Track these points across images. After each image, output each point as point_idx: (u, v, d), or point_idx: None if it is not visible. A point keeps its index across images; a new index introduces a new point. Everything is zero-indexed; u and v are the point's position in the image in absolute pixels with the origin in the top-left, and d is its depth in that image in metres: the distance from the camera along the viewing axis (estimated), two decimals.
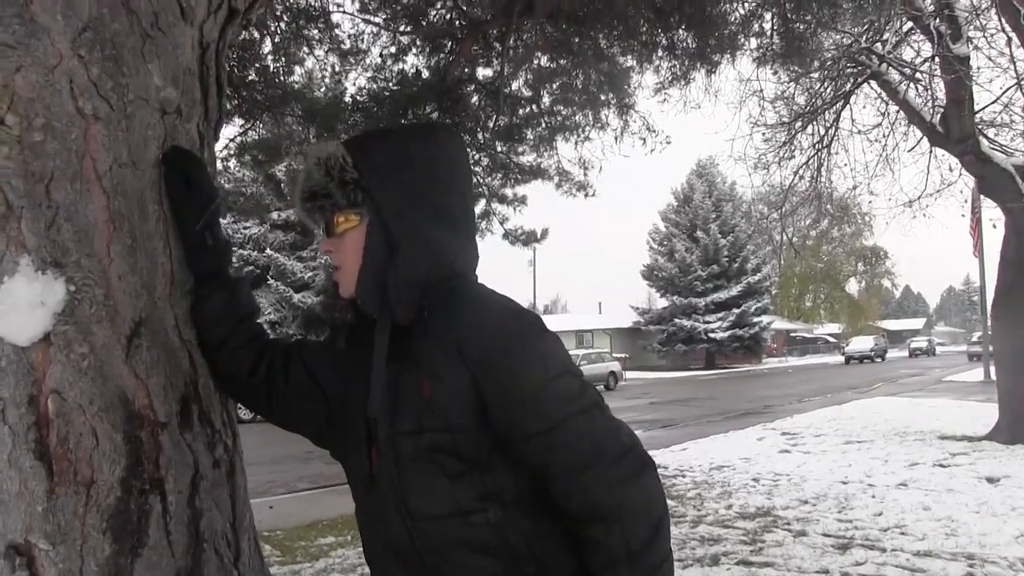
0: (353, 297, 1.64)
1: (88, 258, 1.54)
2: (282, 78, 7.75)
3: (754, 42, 7.10)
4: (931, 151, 14.62)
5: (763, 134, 15.06)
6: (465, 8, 7.31)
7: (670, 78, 7.56)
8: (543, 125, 8.72)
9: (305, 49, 7.67)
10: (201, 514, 1.70)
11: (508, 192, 10.26)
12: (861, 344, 57.11)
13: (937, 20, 11.69)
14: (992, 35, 12.38)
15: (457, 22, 7.40)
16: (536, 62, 7.94)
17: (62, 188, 1.52)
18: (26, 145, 1.50)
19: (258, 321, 1.87)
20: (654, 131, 8.75)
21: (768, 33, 6.89)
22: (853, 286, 75.31)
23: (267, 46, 7.50)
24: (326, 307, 1.74)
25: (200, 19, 1.85)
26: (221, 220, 1.87)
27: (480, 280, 1.74)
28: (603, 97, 8.08)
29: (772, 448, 13.13)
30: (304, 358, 1.80)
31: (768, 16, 6.71)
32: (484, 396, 1.51)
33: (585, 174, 9.58)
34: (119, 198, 1.60)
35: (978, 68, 12.42)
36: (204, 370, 1.78)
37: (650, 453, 1.60)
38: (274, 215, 30.05)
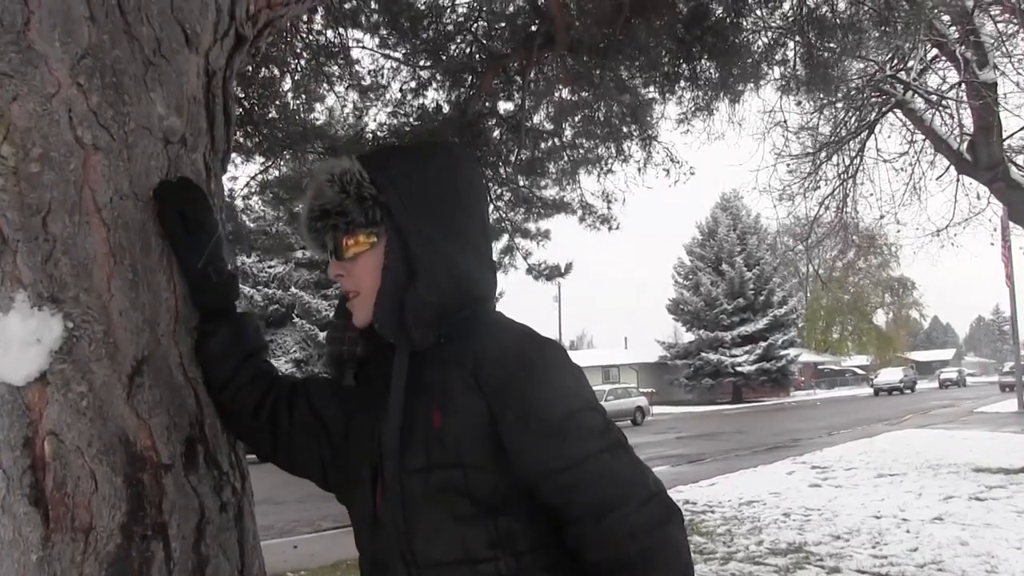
0: (367, 324, 1.56)
1: (87, 293, 1.48)
2: (303, 115, 7.76)
3: (778, 71, 7.04)
4: (958, 179, 14.45)
5: (788, 165, 14.96)
6: (485, 42, 7.30)
7: (693, 109, 7.51)
8: (565, 158, 8.68)
9: (325, 86, 7.69)
10: (207, 561, 1.61)
11: (531, 226, 10.21)
12: (890, 376, 56.42)
13: (963, 46, 11.57)
14: (1020, 61, 12.24)
15: (477, 56, 7.38)
16: (557, 95, 7.92)
17: (60, 220, 1.46)
18: (22, 176, 1.44)
19: (265, 359, 1.79)
20: (677, 162, 8.68)
21: (792, 61, 6.83)
22: (881, 317, 74.68)
23: (287, 83, 7.52)
24: (332, 340, 1.65)
25: (206, 46, 1.79)
26: (230, 255, 1.80)
27: (500, 311, 1.66)
28: (625, 129, 8.02)
29: (802, 482, 12.92)
30: (310, 396, 1.72)
31: (791, 44, 6.65)
32: (501, 429, 1.41)
33: (608, 207, 9.52)
34: (120, 231, 1.53)
35: (1005, 95, 12.30)
36: (211, 409, 1.69)
37: (678, 488, 1.50)
38: (298, 253, 30.24)
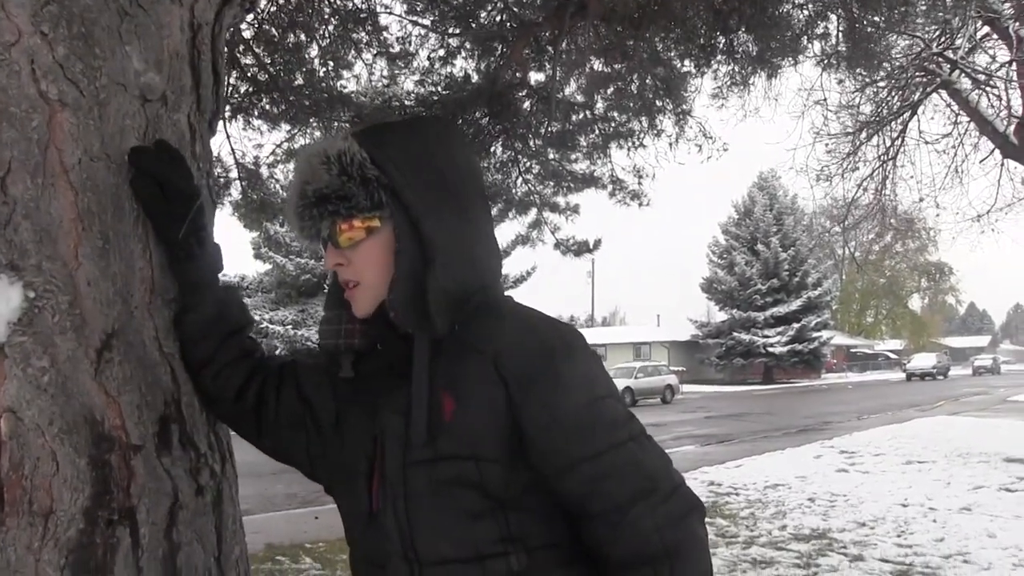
0: (369, 315, 1.46)
1: (51, 261, 1.36)
2: (330, 82, 7.64)
3: (818, 46, 6.80)
4: (1003, 163, 14.07)
5: (826, 145, 14.64)
6: (516, 10, 7.11)
7: (729, 83, 7.30)
8: (597, 131, 8.48)
9: (353, 53, 7.55)
10: (179, 548, 1.51)
11: (560, 200, 10.04)
12: (923, 361, 55.98)
13: (1016, 23, 11.19)
14: None
15: (508, 24, 7.20)
16: (589, 66, 7.73)
17: (20, 182, 1.34)
18: None
19: (251, 337, 1.68)
20: (711, 138, 8.48)
21: (834, 36, 6.58)
22: (916, 302, 73.82)
23: (314, 50, 7.40)
24: (326, 334, 1.54)
25: None
26: (213, 223, 1.69)
27: (509, 295, 1.55)
28: (659, 103, 7.82)
29: (829, 467, 12.79)
30: (299, 380, 1.62)
31: (833, 17, 6.41)
32: (521, 419, 1.33)
33: (640, 182, 9.33)
34: (89, 194, 1.41)
35: None
36: (188, 387, 1.59)
37: (703, 469, 1.41)
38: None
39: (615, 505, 1.32)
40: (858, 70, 7.53)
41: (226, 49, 1.86)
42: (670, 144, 8.39)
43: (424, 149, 1.45)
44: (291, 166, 7.86)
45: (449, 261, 1.39)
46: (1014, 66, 12.07)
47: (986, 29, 12.63)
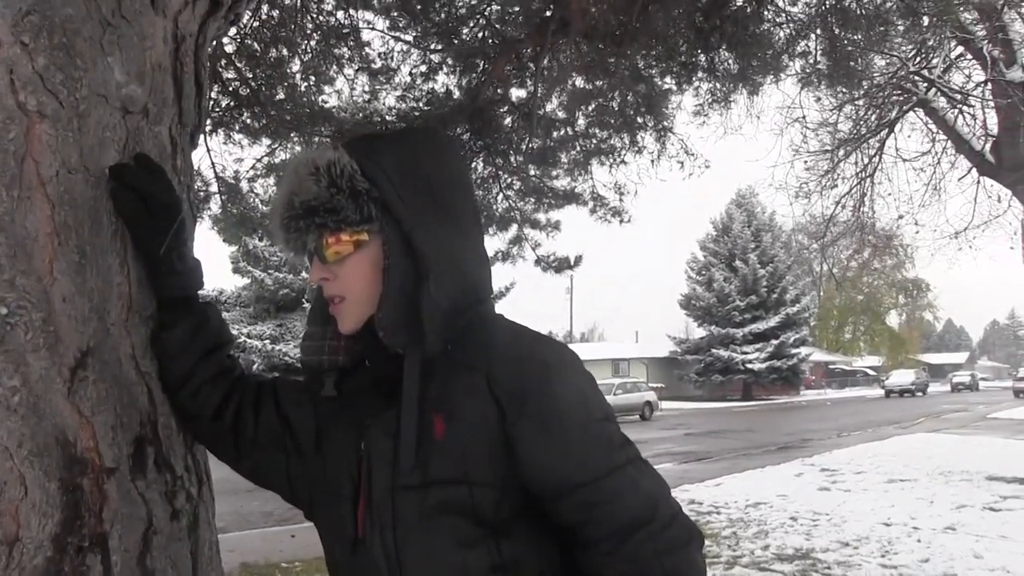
0: (355, 331, 1.41)
1: (25, 276, 1.32)
2: (311, 97, 7.61)
3: (799, 63, 6.83)
4: (979, 181, 14.19)
5: (805, 162, 14.73)
6: (498, 26, 7.12)
7: (710, 100, 7.33)
8: (578, 148, 8.50)
9: (334, 68, 7.53)
10: (152, 575, 1.46)
11: (541, 217, 10.03)
12: (902, 377, 56.24)
13: (990, 44, 11.32)
14: None
15: (490, 41, 7.21)
16: (571, 83, 7.74)
17: None
18: None
19: (230, 355, 1.63)
20: (692, 154, 8.50)
21: (814, 53, 6.62)
22: (894, 319, 74.20)
23: (296, 65, 7.37)
24: (309, 350, 1.49)
25: (175, 8, 1.63)
26: (193, 238, 1.65)
27: (501, 312, 1.52)
28: (640, 120, 7.84)
29: (811, 485, 12.74)
30: (278, 399, 1.57)
31: (814, 35, 6.45)
32: (514, 439, 1.29)
33: (621, 199, 9.34)
34: (66, 208, 1.37)
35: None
36: (165, 407, 1.54)
37: (684, 487, 1.38)
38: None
39: (614, 532, 1.28)
40: (839, 88, 7.58)
41: (208, 62, 1.82)
42: (652, 161, 8.41)
43: (415, 160, 1.42)
44: (271, 180, 7.83)
45: (442, 276, 1.35)
46: (989, 86, 12.19)
47: (960, 49, 12.76)
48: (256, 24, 6.77)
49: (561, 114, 8.31)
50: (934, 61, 12.72)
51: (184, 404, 1.55)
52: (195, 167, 1.87)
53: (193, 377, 1.53)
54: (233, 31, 6.56)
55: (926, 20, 5.75)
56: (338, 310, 1.41)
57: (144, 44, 1.55)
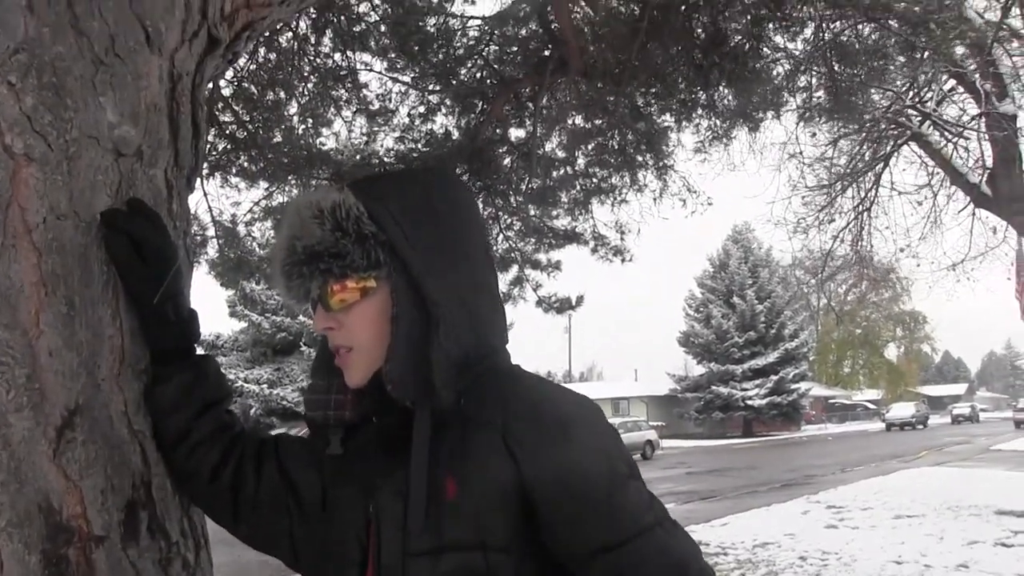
0: (361, 385, 1.32)
1: (8, 330, 1.23)
2: (309, 139, 7.58)
3: (799, 99, 6.81)
4: (974, 213, 14.19)
5: (803, 197, 14.72)
6: (496, 67, 7.11)
7: (711, 137, 7.30)
8: (578, 187, 8.47)
9: (332, 110, 7.50)
10: None
11: (542, 257, 9.98)
12: (902, 410, 55.96)
13: (982, 78, 11.37)
14: None
15: (488, 81, 7.20)
16: (570, 122, 7.71)
17: None
18: None
19: (229, 410, 1.53)
20: (695, 192, 8.47)
21: (813, 89, 6.60)
22: (892, 351, 74.12)
23: (293, 107, 7.35)
24: (313, 404, 1.39)
25: (171, 47, 1.55)
26: (190, 287, 1.56)
27: (516, 363, 1.42)
28: (640, 158, 7.81)
29: (817, 523, 12.57)
30: (281, 458, 1.47)
31: (813, 71, 6.43)
32: (534, 499, 1.20)
33: (622, 238, 9.29)
34: (54, 256, 1.28)
35: (1020, 128, 12.06)
36: (160, 467, 1.44)
37: (690, 528, 1.27)
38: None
39: None
40: (839, 122, 7.56)
41: (206, 103, 1.74)
42: (654, 199, 8.37)
43: (425, 201, 1.33)
44: (269, 224, 7.77)
45: (453, 324, 1.27)
46: (982, 119, 12.22)
47: (952, 83, 12.81)
48: (253, 67, 6.75)
49: (561, 153, 8.29)
50: (927, 95, 12.76)
51: (180, 464, 1.44)
52: (192, 211, 1.78)
53: (190, 435, 1.43)
54: (230, 74, 6.55)
55: (924, 53, 5.72)
56: (345, 361, 1.32)
57: (139, 83, 1.47)
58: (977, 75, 11.63)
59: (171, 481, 1.46)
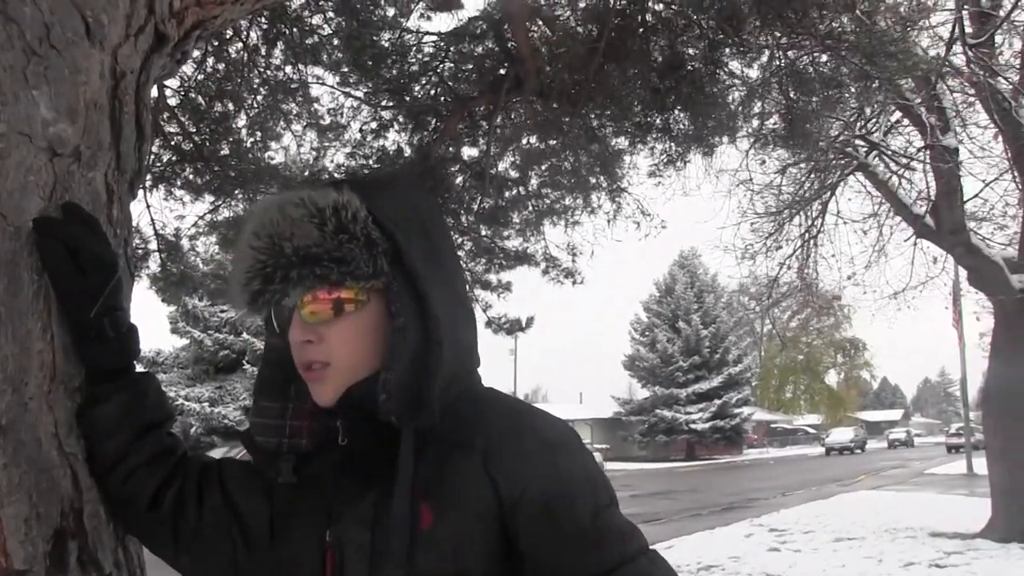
0: (329, 404, 1.21)
1: None
2: (257, 153, 7.42)
3: (754, 124, 6.86)
4: (916, 243, 14.47)
5: (751, 224, 14.86)
6: (451, 84, 7.05)
7: (665, 161, 7.30)
8: (530, 208, 8.42)
9: (282, 123, 7.36)
10: None
11: (492, 278, 9.89)
12: (841, 435, 57.12)
13: (927, 112, 11.61)
14: (983, 128, 12.32)
15: (442, 98, 7.13)
16: (524, 142, 7.67)
17: None
18: None
19: (170, 432, 1.41)
20: (648, 214, 8.47)
21: (768, 115, 6.65)
22: (832, 377, 75.42)
23: (242, 120, 7.19)
24: (263, 429, 1.29)
25: (114, 42, 1.45)
26: (130, 301, 1.45)
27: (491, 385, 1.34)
28: (593, 180, 7.79)
29: (760, 546, 12.63)
30: (225, 485, 1.36)
31: (769, 98, 6.47)
32: (515, 527, 1.12)
33: (574, 260, 9.26)
34: None
35: (961, 162, 12.34)
36: (93, 493, 1.31)
37: None
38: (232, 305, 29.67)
39: None
40: (795, 150, 7.63)
41: (152, 105, 1.63)
42: (608, 221, 8.35)
43: (415, 209, 1.25)
44: (213, 239, 7.58)
45: (452, 344, 1.19)
46: (927, 152, 12.46)
47: (898, 115, 13.06)
48: (201, 77, 6.59)
49: (514, 173, 8.24)
50: (874, 126, 12.98)
51: (115, 490, 1.32)
52: (134, 223, 1.65)
53: (127, 459, 1.31)
54: (176, 84, 6.39)
55: (876, 84, 5.80)
56: (318, 378, 1.21)
57: (77, 78, 1.36)
58: (923, 108, 11.86)
59: (105, 508, 1.34)
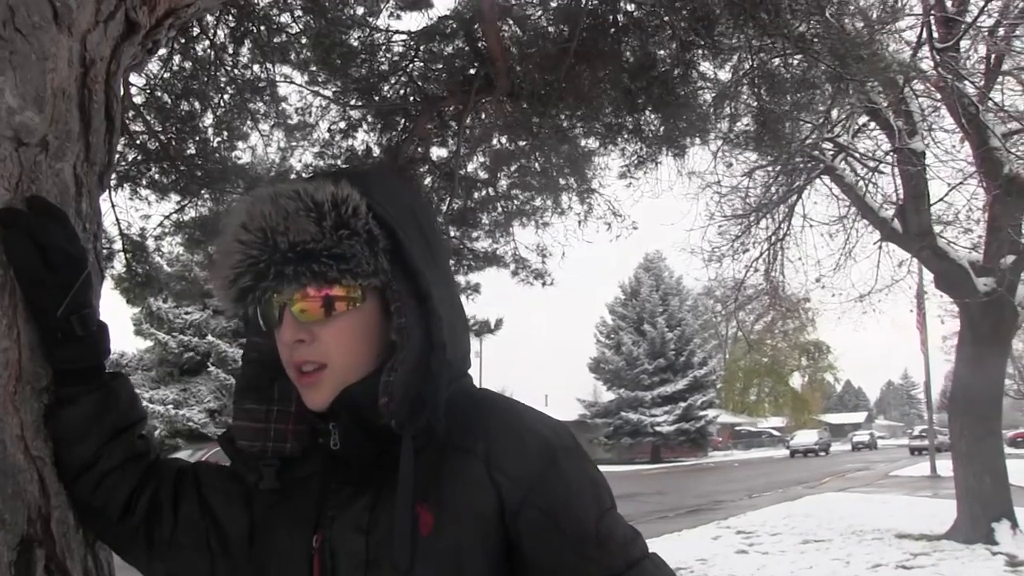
0: (322, 408, 1.15)
1: None
2: (224, 153, 7.32)
3: (725, 126, 6.87)
4: (880, 247, 14.61)
5: (719, 227, 14.93)
6: (420, 84, 6.99)
7: (636, 162, 7.29)
8: (499, 209, 8.38)
9: (249, 123, 7.26)
10: None
11: (461, 280, 9.83)
12: (806, 438, 57.52)
13: (894, 115, 11.73)
14: (950, 132, 12.47)
15: (412, 98, 7.07)
16: (494, 142, 7.63)
17: None
18: None
19: (142, 435, 1.35)
20: (619, 215, 8.46)
21: (740, 116, 6.67)
22: (796, 380, 76.09)
23: (208, 119, 7.08)
24: (247, 433, 1.23)
25: (83, 28, 1.39)
26: (99, 299, 1.38)
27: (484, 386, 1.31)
28: (563, 181, 7.77)
29: (728, 548, 12.67)
30: (202, 491, 1.30)
31: (741, 98, 6.49)
32: (518, 532, 1.09)
33: (544, 261, 9.23)
34: None
35: (928, 165, 12.48)
36: (61, 498, 1.26)
37: None
38: (216, 300, 29.47)
39: None
40: (767, 151, 7.66)
41: (122, 95, 1.57)
42: (579, 222, 8.34)
43: (411, 204, 1.21)
44: (179, 239, 7.46)
45: (455, 345, 1.16)
46: (894, 155, 12.58)
47: (865, 119, 13.18)
48: (167, 75, 6.49)
49: (483, 174, 8.19)
50: (839, 129, 13.08)
51: (85, 497, 1.26)
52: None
53: (97, 463, 1.25)
54: (142, 82, 6.28)
55: (848, 87, 5.83)
56: (312, 381, 1.15)
57: (44, 65, 1.30)
58: (891, 112, 11.98)
59: (73, 514, 1.28)
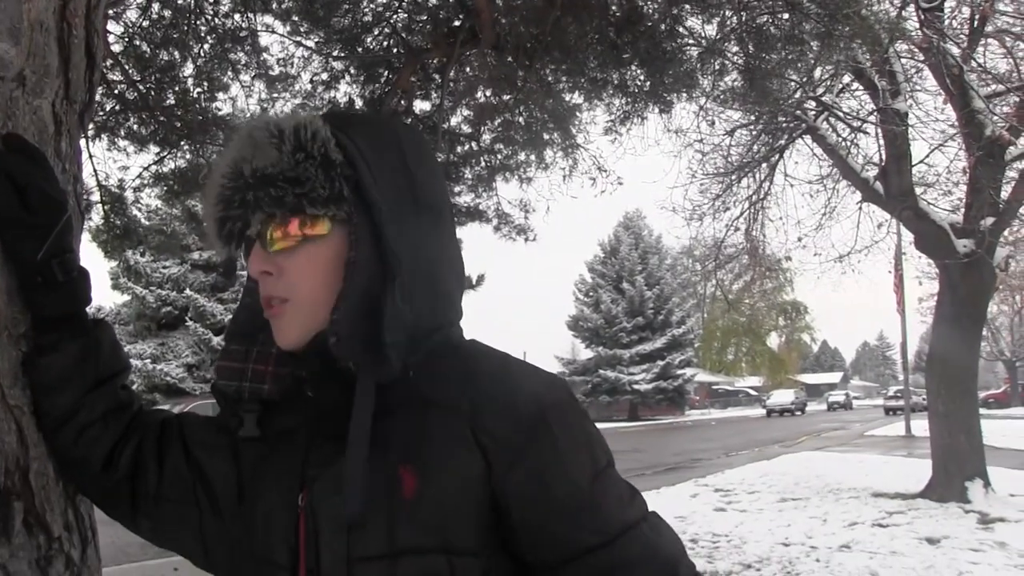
0: (295, 348, 1.11)
1: None
2: (204, 104, 7.18)
3: (711, 81, 6.80)
4: (860, 207, 14.63)
5: (700, 185, 14.90)
6: (404, 35, 6.87)
7: (621, 117, 7.21)
8: (482, 164, 8.30)
9: (230, 73, 7.12)
10: None
11: None
12: (782, 397, 58.16)
13: (878, 75, 11.68)
14: (933, 94, 12.45)
15: (395, 50, 6.95)
16: (478, 96, 7.53)
17: None
18: None
19: (125, 385, 1.30)
20: (605, 171, 8.40)
21: (727, 71, 6.60)
22: (773, 340, 76.67)
23: (188, 69, 6.94)
24: (227, 373, 1.19)
25: None
26: (80, 243, 1.33)
27: (475, 338, 1.24)
28: (547, 136, 7.69)
29: (707, 506, 12.79)
30: (188, 443, 1.25)
31: (729, 54, 6.41)
32: (507, 495, 1.03)
33: (526, 217, 9.17)
34: None
35: (911, 126, 12.48)
36: (40, 449, 1.20)
37: None
38: (195, 255, 29.32)
39: None
40: (754, 107, 7.60)
41: (102, 31, 1.50)
42: (564, 177, 8.27)
43: (395, 144, 1.15)
44: (159, 191, 7.34)
45: (412, 283, 1.08)
46: (876, 115, 12.55)
47: (848, 78, 13.12)
48: (146, 24, 6.34)
49: (466, 128, 8.10)
50: (820, 89, 13.02)
51: (66, 448, 1.21)
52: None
53: (78, 414, 1.20)
54: (120, 30, 6.13)
55: (840, 42, 5.75)
56: (278, 314, 1.11)
57: None
58: (875, 72, 11.93)
59: (53, 465, 1.23)
